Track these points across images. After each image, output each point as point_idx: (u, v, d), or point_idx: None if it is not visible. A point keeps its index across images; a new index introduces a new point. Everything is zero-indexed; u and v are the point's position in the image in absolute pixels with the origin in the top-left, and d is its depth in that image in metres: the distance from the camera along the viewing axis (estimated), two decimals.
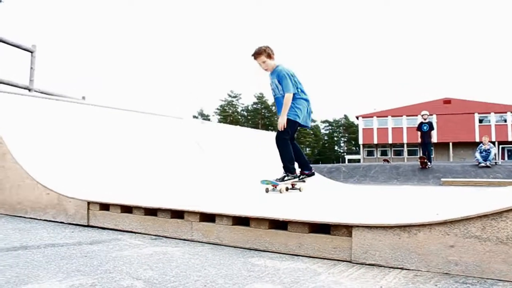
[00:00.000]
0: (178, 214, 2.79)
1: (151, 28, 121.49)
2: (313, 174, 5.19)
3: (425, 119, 14.38)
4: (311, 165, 5.24)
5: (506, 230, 1.77)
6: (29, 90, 12.71)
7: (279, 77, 4.87)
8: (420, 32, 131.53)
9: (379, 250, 2.04)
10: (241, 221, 2.52)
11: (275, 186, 4.71)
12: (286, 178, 4.86)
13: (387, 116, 51.34)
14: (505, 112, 44.84)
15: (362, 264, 2.08)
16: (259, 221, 2.42)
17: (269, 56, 4.93)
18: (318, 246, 2.22)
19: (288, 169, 4.90)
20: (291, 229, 2.32)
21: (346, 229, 2.16)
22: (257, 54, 4.94)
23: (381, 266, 2.03)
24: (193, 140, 6.71)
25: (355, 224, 2.12)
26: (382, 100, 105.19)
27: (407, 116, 49.20)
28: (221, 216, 2.56)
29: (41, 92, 12.27)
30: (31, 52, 13.11)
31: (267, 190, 4.65)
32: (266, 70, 5.02)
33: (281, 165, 4.94)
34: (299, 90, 4.92)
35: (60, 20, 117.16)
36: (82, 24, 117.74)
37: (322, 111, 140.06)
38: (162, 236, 2.82)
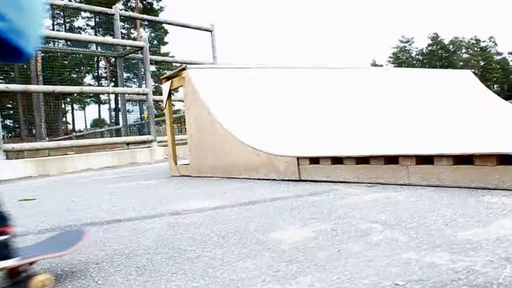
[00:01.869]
0: (392, 160, 2.80)
1: None
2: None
3: None
4: None
5: None
6: None
7: None
8: None
9: None
10: (463, 159, 2.41)
11: None
12: None
13: None
14: None
15: None
16: (485, 158, 2.28)
17: None
18: None
19: None
20: None
21: None
22: None
23: None
24: (382, 87, 6.55)
25: None
26: None
27: None
28: (440, 156, 2.49)
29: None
30: (210, 31, 14.33)
31: None
32: None
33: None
34: None
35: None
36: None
37: (508, 40, 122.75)
38: (377, 183, 2.87)
